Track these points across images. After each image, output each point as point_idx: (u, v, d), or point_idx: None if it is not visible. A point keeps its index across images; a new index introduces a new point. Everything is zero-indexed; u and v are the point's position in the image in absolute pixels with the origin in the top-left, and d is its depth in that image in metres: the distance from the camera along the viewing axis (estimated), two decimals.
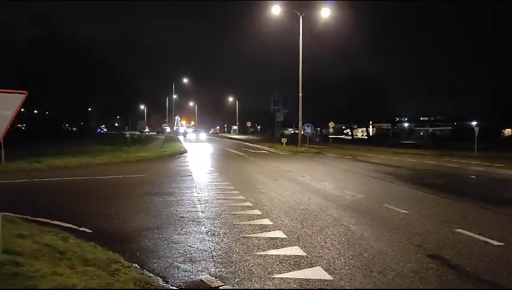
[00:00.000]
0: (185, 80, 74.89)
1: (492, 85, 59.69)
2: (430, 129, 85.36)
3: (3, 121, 5.26)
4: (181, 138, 66.01)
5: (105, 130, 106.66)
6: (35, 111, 60.51)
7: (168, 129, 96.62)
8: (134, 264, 5.38)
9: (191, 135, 56.26)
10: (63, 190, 12.56)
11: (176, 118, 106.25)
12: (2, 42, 44.42)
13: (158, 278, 5.04)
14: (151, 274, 5.12)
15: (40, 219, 7.86)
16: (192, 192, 11.56)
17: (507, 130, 66.33)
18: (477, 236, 6.76)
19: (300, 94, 32.86)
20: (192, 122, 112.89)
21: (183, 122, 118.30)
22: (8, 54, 45.23)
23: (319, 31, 42.54)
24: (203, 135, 56.20)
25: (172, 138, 59.71)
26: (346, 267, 5.40)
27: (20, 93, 5.48)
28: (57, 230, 6.88)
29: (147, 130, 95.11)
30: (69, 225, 7.50)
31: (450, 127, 76.54)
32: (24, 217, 7.87)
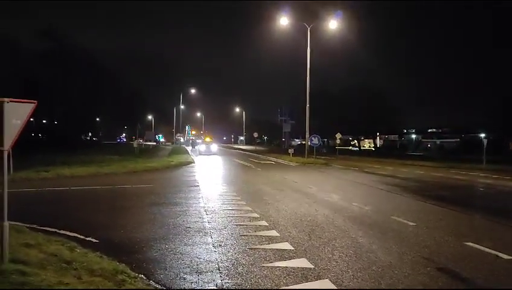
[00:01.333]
0: (193, 91, 75.44)
1: (500, 98, 59.32)
2: (438, 141, 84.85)
3: (13, 130, 5.29)
4: (189, 148, 61.91)
5: (124, 139, 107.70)
6: (43, 121, 61.15)
7: (182, 140, 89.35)
8: (140, 275, 5.35)
9: (201, 146, 48.28)
10: (70, 200, 12.59)
11: (186, 127, 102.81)
12: (11, 53, 45.07)
13: (164, 288, 5.00)
14: (157, 285, 5.08)
15: (46, 228, 7.87)
16: (199, 202, 11.53)
17: None
18: (487, 249, 6.66)
19: (307, 105, 32.86)
20: (202, 133, 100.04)
21: (192, 132, 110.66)
22: (16, 64, 45.88)
23: (327, 43, 42.67)
24: (214, 147, 48.68)
25: (180, 149, 55.70)
26: (355, 280, 5.33)
27: (30, 102, 5.52)
28: (63, 240, 6.87)
29: (162, 140, 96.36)
30: (76, 235, 7.50)
31: (457, 139, 76.05)
32: (31, 226, 7.89)
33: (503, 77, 60.30)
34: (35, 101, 5.58)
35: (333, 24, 31.74)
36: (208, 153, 44.70)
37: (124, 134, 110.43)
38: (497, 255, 6.36)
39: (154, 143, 69.36)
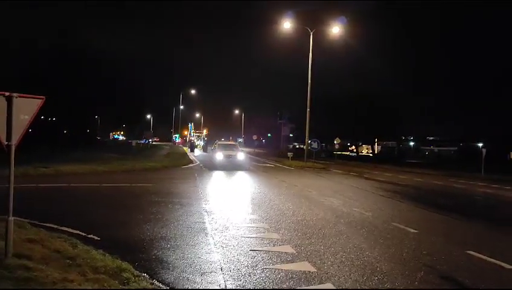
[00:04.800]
0: (193, 92, 75.28)
1: (502, 108, 59.61)
2: (436, 149, 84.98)
3: (20, 125, 5.28)
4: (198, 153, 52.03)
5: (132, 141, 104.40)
6: (41, 117, 61.06)
7: (197, 142, 70.00)
8: (144, 274, 5.34)
9: (218, 154, 25.79)
10: (71, 196, 12.57)
11: (189, 126, 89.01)
12: (12, 50, 45.15)
13: (168, 288, 4.99)
14: (161, 285, 5.08)
15: (48, 225, 7.85)
16: (200, 203, 11.51)
17: None
18: (488, 259, 6.67)
19: (308, 109, 32.90)
20: (205, 132, 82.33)
21: (196, 132, 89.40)
22: (18, 61, 45.94)
23: (330, 48, 42.76)
24: (241, 155, 26.37)
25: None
26: (357, 284, 5.33)
27: (38, 98, 5.51)
28: (65, 236, 6.86)
29: (179, 140, 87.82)
30: (77, 232, 7.49)
31: (455, 148, 76.18)
32: (32, 222, 7.86)
33: (505, 87, 60.50)
34: (43, 97, 5.58)
35: (336, 29, 31.84)
36: (228, 165, 25.05)
37: (120, 132, 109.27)
38: (500, 265, 6.36)
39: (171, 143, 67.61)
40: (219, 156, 25.59)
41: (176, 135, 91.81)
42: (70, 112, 56.49)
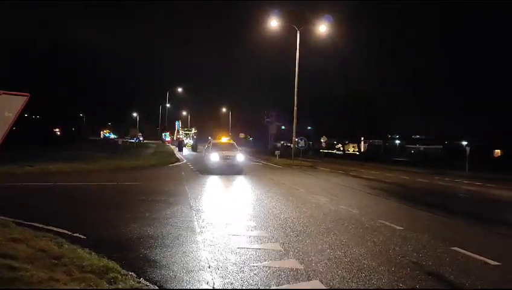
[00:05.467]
0: (179, 90, 74.80)
1: (486, 108, 60.66)
2: (422, 147, 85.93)
3: (4, 123, 5.20)
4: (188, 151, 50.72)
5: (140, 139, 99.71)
6: (25, 115, 60.17)
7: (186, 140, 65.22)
8: (131, 273, 5.30)
9: (213, 155, 21.72)
10: (56, 195, 12.42)
11: (176, 124, 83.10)
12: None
13: (156, 287, 4.97)
14: (148, 283, 5.05)
15: (33, 224, 7.74)
16: (187, 203, 11.46)
17: (496, 150, 67.07)
18: (473, 255, 6.77)
19: (295, 108, 32.98)
20: (194, 130, 73.74)
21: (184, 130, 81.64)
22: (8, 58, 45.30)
23: (317, 46, 42.86)
24: (240, 157, 22.27)
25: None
26: (344, 281, 5.37)
27: (22, 95, 5.43)
28: (51, 235, 6.77)
29: (168, 138, 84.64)
30: (63, 231, 7.40)
31: (440, 146, 77.13)
32: (17, 221, 7.75)
33: (489, 89, 61.63)
34: (27, 94, 5.51)
35: (323, 28, 31.97)
36: (226, 168, 21.09)
37: (105, 131, 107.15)
38: (483, 261, 6.47)
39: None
40: (214, 157, 21.23)
41: (165, 133, 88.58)
42: (55, 110, 55.77)
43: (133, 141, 53.37)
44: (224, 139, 25.94)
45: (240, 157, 21.91)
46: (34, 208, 9.93)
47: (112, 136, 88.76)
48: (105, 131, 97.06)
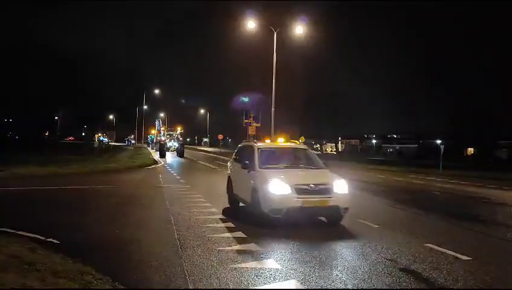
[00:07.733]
0: (156, 91, 73.99)
1: (456, 107, 62.32)
2: (397, 146, 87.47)
3: None
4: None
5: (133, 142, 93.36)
6: None
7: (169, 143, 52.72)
8: (106, 277, 5.22)
9: (274, 185, 8.37)
10: (28, 200, 12.12)
11: (156, 123, 71.80)
12: None
13: None
14: (124, 287, 4.99)
15: (4, 229, 7.54)
16: (164, 205, 11.37)
17: (469, 149, 68.95)
18: (446, 251, 6.92)
19: (272, 109, 33.06)
20: (179, 129, 58.91)
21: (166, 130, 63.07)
22: None
23: (293, 48, 43.07)
24: (344, 188, 8.92)
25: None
26: (321, 280, 5.42)
27: None
28: (23, 241, 6.62)
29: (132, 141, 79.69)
30: (36, 236, 7.23)
31: (415, 145, 78.69)
32: None
33: (461, 88, 63.32)
34: None
35: (299, 29, 32.14)
36: (308, 218, 8.86)
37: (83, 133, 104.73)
38: (455, 257, 6.62)
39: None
40: (277, 187, 8.46)
41: (150, 135, 78.36)
42: (25, 112, 54.45)
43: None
44: (281, 140, 11.93)
45: (341, 186, 9.01)
46: (5, 213, 9.66)
47: (106, 140, 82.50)
48: (99, 134, 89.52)
